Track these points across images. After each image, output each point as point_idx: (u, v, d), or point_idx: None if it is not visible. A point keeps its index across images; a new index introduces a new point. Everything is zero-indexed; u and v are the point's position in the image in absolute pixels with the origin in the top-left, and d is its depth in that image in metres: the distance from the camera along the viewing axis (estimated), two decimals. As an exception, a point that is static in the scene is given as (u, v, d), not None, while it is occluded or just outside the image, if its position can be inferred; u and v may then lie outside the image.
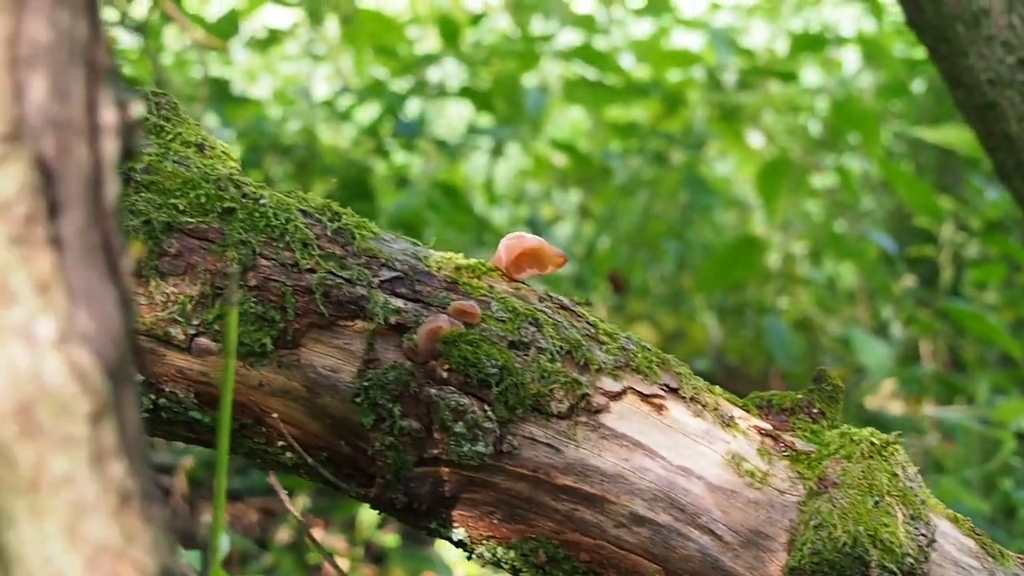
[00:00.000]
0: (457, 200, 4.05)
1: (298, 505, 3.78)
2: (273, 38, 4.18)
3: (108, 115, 0.61)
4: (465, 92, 4.30)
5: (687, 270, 4.97)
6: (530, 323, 1.14)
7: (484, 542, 1.13)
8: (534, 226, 4.30)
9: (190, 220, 1.12)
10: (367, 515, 3.72)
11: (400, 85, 4.29)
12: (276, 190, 1.19)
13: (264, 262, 1.11)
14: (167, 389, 1.12)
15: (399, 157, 4.68)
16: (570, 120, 5.86)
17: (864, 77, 4.90)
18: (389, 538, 3.60)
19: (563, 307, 1.17)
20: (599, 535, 1.11)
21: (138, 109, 0.63)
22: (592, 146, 5.07)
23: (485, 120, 4.60)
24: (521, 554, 1.12)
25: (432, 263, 1.16)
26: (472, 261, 1.18)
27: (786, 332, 4.12)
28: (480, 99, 4.29)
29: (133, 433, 0.61)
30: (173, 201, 1.13)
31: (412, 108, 4.30)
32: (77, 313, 0.59)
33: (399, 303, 1.12)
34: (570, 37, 4.78)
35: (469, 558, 1.15)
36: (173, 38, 4.04)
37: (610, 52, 4.52)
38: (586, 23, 4.81)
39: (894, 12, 4.87)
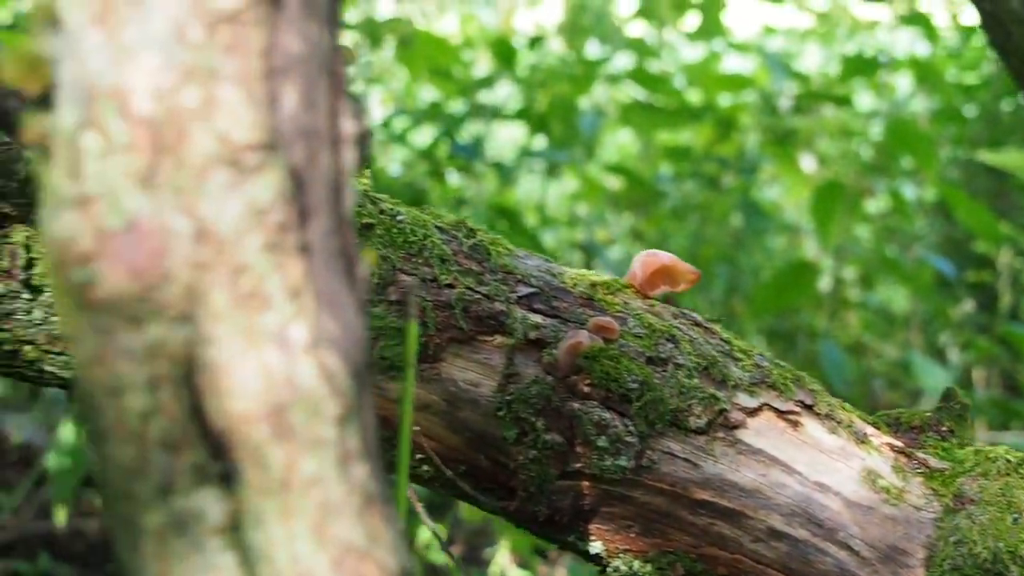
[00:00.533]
0: (514, 222, 4.07)
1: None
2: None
3: (348, 125, 0.63)
4: (521, 114, 4.32)
5: (737, 294, 4.97)
6: (667, 339, 1.15)
7: (621, 555, 1.14)
8: (590, 249, 4.31)
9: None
10: (426, 535, 3.73)
11: (455, 107, 4.32)
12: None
13: (404, 277, 1.13)
14: (307, 402, 1.13)
15: (452, 179, 4.70)
16: (618, 143, 5.88)
17: (917, 102, 4.90)
18: (447, 559, 3.60)
19: (697, 324, 1.18)
20: (737, 549, 1.12)
21: (369, 120, 0.65)
22: (642, 169, 5.08)
23: (538, 142, 4.62)
24: (658, 568, 1.13)
25: (567, 279, 1.18)
26: (606, 278, 1.19)
27: (841, 356, 4.11)
28: (536, 121, 4.31)
29: (372, 437, 0.62)
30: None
31: (469, 130, 4.33)
32: (324, 318, 0.60)
33: (537, 319, 1.13)
34: (623, 61, 4.80)
35: (603, 571, 1.15)
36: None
37: (664, 75, 4.53)
38: (638, 46, 4.83)
39: (948, 37, 4.88)
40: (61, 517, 3.37)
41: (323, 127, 0.61)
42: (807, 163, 4.90)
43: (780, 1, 5.00)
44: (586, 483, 1.11)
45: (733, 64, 5.30)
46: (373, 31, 4.21)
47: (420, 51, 4.36)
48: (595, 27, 4.79)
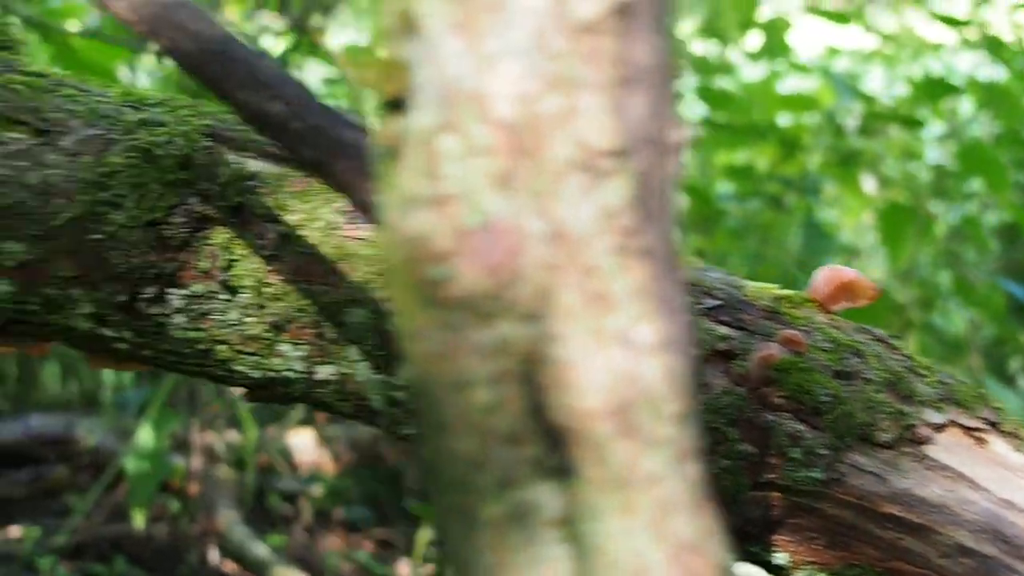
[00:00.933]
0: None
1: (423, 539, 3.81)
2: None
3: (676, 134, 0.65)
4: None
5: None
6: (853, 354, 1.16)
7: (805, 567, 1.15)
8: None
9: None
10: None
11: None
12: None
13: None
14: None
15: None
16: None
17: (980, 124, 4.90)
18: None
19: (879, 339, 1.20)
20: (923, 564, 1.13)
21: (687, 131, 0.67)
22: (700, 187, 5.09)
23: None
24: (842, 580, 1.14)
25: (749, 292, 1.19)
26: (788, 292, 1.21)
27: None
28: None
29: (696, 436, 0.64)
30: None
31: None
32: (663, 320, 0.62)
33: (724, 330, 1.15)
34: (688, 79, 4.82)
35: (784, 583, 1.17)
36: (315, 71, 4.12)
37: (731, 94, 4.54)
38: (702, 64, 4.85)
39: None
40: (139, 520, 3.40)
41: (658, 136, 0.63)
42: (868, 184, 4.90)
43: (845, 22, 5.01)
44: (777, 494, 1.13)
45: (794, 84, 5.31)
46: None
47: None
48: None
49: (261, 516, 4.04)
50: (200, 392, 3.99)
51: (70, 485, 4.06)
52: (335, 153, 0.83)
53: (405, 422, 1.18)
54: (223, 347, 1.17)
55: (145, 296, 1.15)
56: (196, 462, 3.81)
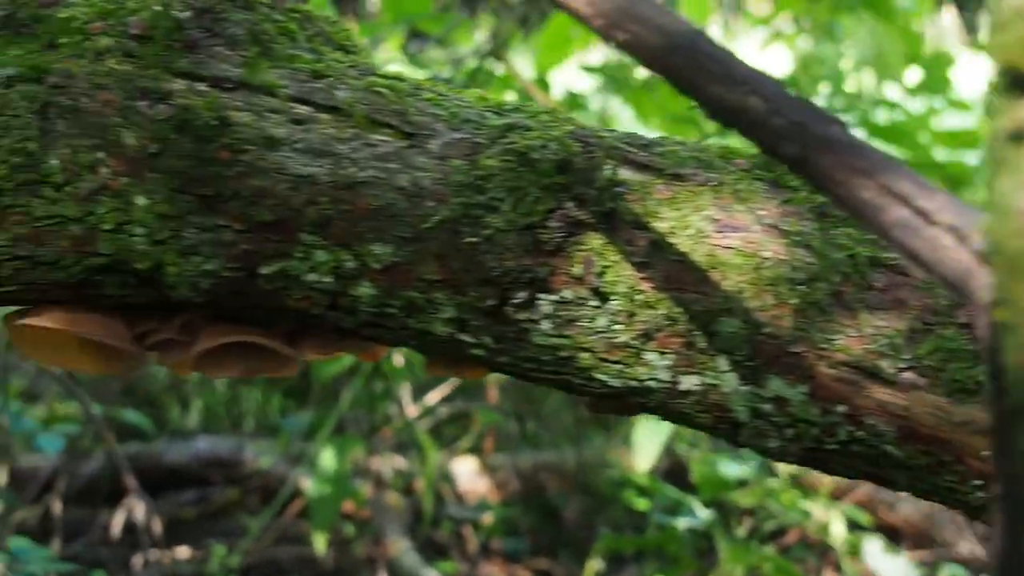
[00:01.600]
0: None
1: (591, 570, 3.78)
2: (574, 102, 4.26)
3: None
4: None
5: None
6: None
7: None
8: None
9: (892, 256, 1.13)
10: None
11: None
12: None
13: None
14: (867, 421, 1.12)
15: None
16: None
17: None
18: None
19: None
20: None
21: None
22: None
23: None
24: None
25: None
26: None
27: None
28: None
29: None
30: (871, 236, 1.14)
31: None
32: None
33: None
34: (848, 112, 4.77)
35: None
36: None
37: (904, 128, 4.49)
38: (865, 99, 4.79)
39: None
40: (321, 544, 3.41)
41: None
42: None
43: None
44: None
45: (954, 121, 5.23)
46: (617, 75, 4.25)
47: (653, 97, 4.37)
48: (826, 77, 4.77)
49: (423, 542, 4.04)
50: (368, 418, 4.01)
51: (238, 507, 4.10)
52: (821, 149, 0.81)
53: (770, 434, 1.15)
54: (586, 355, 1.16)
55: (515, 301, 1.15)
56: (369, 488, 3.83)
